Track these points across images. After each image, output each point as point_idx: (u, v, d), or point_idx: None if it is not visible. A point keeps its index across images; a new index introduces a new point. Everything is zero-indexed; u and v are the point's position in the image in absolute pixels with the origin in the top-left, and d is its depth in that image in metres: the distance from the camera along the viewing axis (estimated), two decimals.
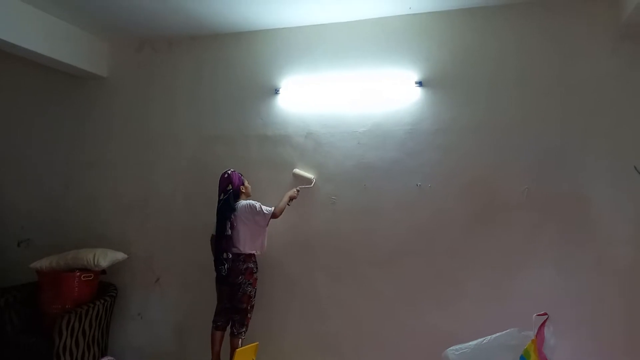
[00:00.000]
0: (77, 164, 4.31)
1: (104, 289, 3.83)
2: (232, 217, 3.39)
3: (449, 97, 3.46)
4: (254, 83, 3.91)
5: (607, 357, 3.03)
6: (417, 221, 3.46)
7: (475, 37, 3.43)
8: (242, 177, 3.57)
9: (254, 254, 3.46)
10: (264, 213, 3.37)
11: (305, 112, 3.77)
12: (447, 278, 3.38)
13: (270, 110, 3.86)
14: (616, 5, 3.15)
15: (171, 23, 3.82)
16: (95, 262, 3.60)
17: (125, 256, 3.90)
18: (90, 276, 3.67)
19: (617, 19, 3.14)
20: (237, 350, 3.27)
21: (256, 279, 3.46)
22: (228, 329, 3.48)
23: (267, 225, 3.43)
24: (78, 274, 3.60)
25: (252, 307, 3.46)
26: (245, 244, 3.41)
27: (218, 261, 3.35)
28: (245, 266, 3.39)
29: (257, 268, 3.47)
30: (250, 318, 3.46)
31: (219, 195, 3.45)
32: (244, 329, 3.42)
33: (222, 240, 3.35)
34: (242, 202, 3.45)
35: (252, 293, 3.43)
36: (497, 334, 2.07)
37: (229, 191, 3.42)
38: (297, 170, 3.70)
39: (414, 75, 3.52)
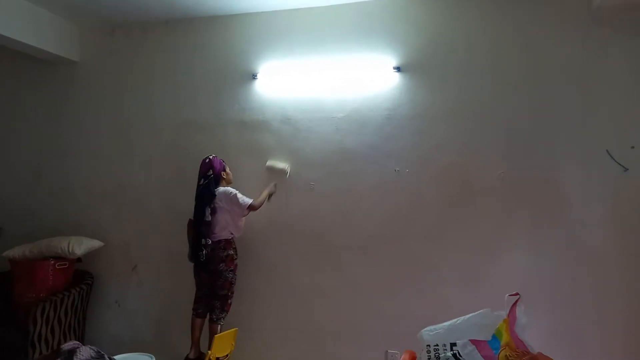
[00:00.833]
0: (50, 151, 4.21)
1: (80, 277, 3.78)
2: (213, 203, 3.36)
3: (425, 83, 3.48)
4: (231, 68, 3.86)
5: (582, 336, 3.13)
6: (394, 206, 3.49)
7: (448, 23, 3.45)
8: (224, 163, 3.53)
9: (233, 241, 3.44)
10: (240, 204, 3.34)
11: (283, 97, 3.74)
12: (424, 263, 3.42)
13: (247, 96, 3.82)
14: None
15: (144, 6, 3.73)
16: (70, 250, 3.54)
17: (102, 244, 3.85)
18: (65, 264, 3.61)
19: (587, 4, 3.19)
20: (216, 336, 3.26)
21: (237, 265, 3.46)
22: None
23: (244, 216, 3.41)
24: (52, 262, 3.54)
25: (233, 293, 3.46)
26: (224, 229, 3.39)
27: (196, 247, 3.32)
28: (225, 253, 3.37)
29: (237, 254, 3.46)
30: (230, 304, 3.45)
31: (199, 181, 3.41)
32: (223, 315, 3.42)
33: (201, 226, 3.32)
34: (221, 189, 3.42)
35: (233, 279, 3.43)
36: (471, 314, 2.11)
37: (210, 176, 3.39)
38: (269, 163, 3.67)
39: (392, 61, 3.53)
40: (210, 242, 3.33)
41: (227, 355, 3.35)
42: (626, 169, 3.11)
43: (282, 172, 3.64)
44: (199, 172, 3.42)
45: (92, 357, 2.51)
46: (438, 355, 1.98)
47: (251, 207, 3.36)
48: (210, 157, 3.46)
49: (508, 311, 2.06)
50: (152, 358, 3.14)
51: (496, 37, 3.36)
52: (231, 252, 3.41)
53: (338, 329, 3.56)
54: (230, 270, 3.39)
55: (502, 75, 3.34)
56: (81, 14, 3.95)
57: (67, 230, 3.98)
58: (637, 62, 3.13)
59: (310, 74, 3.67)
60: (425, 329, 2.12)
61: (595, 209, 3.15)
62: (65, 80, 4.20)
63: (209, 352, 3.21)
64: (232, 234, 3.44)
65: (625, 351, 3.06)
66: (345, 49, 3.61)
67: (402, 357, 2.12)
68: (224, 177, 3.49)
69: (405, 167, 3.48)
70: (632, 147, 3.11)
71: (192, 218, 3.41)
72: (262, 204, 3.44)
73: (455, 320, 2.11)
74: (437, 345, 2.02)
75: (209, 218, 3.33)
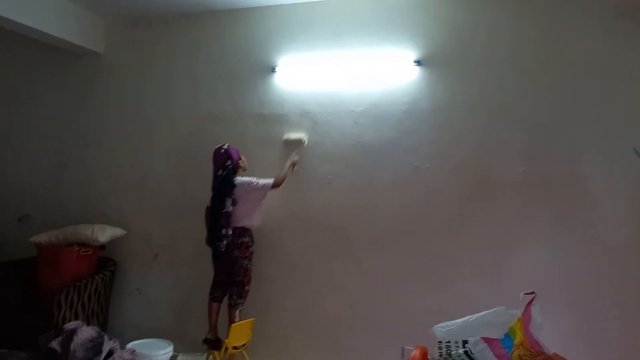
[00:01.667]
0: (75, 142, 4.30)
1: (103, 264, 3.88)
2: (233, 193, 3.39)
3: (446, 77, 3.45)
4: (251, 61, 3.88)
5: (600, 338, 3.07)
6: (412, 201, 3.48)
7: (469, 16, 3.41)
8: (239, 152, 3.56)
9: (250, 228, 3.49)
10: (261, 188, 3.38)
11: (302, 90, 3.75)
12: (442, 257, 3.41)
13: (267, 89, 3.84)
14: None
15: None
16: (94, 237, 3.64)
17: (124, 232, 3.94)
18: (89, 251, 3.71)
19: None
20: (233, 325, 3.32)
21: (252, 252, 3.50)
22: (225, 300, 3.52)
23: (265, 197, 3.44)
24: (77, 248, 3.65)
25: (250, 279, 3.50)
26: (245, 219, 3.44)
27: (216, 237, 3.37)
28: (240, 240, 3.42)
29: (252, 242, 3.50)
30: (247, 291, 3.50)
31: (216, 172, 3.44)
32: (241, 301, 3.47)
33: (221, 216, 3.36)
34: (240, 179, 3.45)
35: (249, 266, 3.47)
36: (485, 312, 2.10)
37: (228, 167, 3.42)
38: (286, 135, 3.70)
39: (412, 54, 3.49)
40: (230, 233, 3.37)
41: (244, 345, 3.42)
42: None
43: (299, 142, 3.65)
44: (215, 162, 3.46)
45: (92, 337, 2.60)
46: (450, 352, 1.98)
47: (275, 185, 3.39)
48: (225, 146, 3.49)
49: (523, 310, 2.04)
50: (170, 344, 3.23)
51: (517, 31, 3.31)
52: (246, 239, 3.45)
53: (354, 323, 3.58)
54: (245, 257, 3.44)
55: (524, 70, 3.29)
56: (105, 6, 4.01)
57: (91, 218, 4.07)
58: None
59: (330, 67, 3.66)
60: (438, 325, 2.12)
61: (618, 206, 3.09)
62: (89, 72, 4.28)
63: (226, 341, 3.28)
64: (251, 224, 3.48)
65: None
66: (364, 42, 3.59)
67: (413, 352, 2.12)
68: (241, 165, 3.53)
69: (424, 162, 3.46)
70: None
71: (210, 205, 3.44)
72: (285, 177, 3.46)
73: (468, 317, 2.10)
74: (449, 342, 2.02)
75: (229, 209, 3.36)
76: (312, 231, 3.68)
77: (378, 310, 3.52)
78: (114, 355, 2.68)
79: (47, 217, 4.22)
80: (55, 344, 2.56)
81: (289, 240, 3.73)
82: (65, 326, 2.69)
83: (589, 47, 3.16)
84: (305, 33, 3.74)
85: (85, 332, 2.63)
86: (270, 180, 3.39)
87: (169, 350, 3.27)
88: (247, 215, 3.45)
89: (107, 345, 2.64)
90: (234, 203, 3.39)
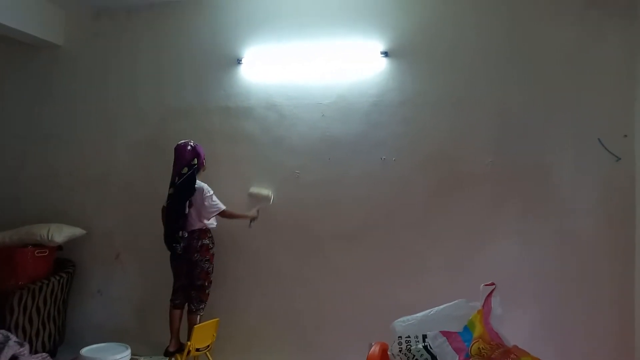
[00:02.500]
0: (35, 137, 4.13)
1: (61, 265, 3.72)
2: (192, 196, 3.24)
3: (414, 69, 3.39)
4: (217, 53, 3.77)
5: (569, 327, 3.05)
6: (381, 195, 3.41)
7: (438, 6, 3.35)
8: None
9: (208, 230, 3.37)
10: (214, 207, 3.26)
11: (269, 83, 3.65)
12: (410, 251, 3.35)
13: (232, 82, 3.73)
14: None
15: None
16: (50, 237, 3.48)
17: (83, 232, 3.78)
18: (45, 252, 3.55)
19: None
20: (196, 326, 3.21)
21: (213, 255, 3.38)
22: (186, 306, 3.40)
23: (210, 217, 3.32)
24: (32, 249, 3.48)
25: (210, 283, 3.39)
26: (200, 222, 3.31)
27: (172, 239, 3.21)
28: (200, 243, 3.30)
29: (213, 243, 3.39)
30: (208, 294, 3.39)
31: (179, 169, 3.27)
32: (202, 305, 3.36)
33: (178, 218, 3.20)
34: (200, 184, 3.28)
35: (210, 269, 3.36)
36: (445, 305, 2.03)
37: (194, 166, 3.26)
38: (252, 190, 3.58)
39: (379, 45, 3.42)
40: (186, 235, 3.23)
41: (208, 346, 3.30)
42: (619, 159, 3.00)
43: (266, 198, 3.55)
44: (179, 158, 3.28)
45: None
46: (409, 348, 1.90)
47: (225, 215, 3.30)
48: (192, 143, 3.34)
49: (483, 302, 1.97)
50: (127, 348, 3.09)
51: (486, 22, 3.26)
52: (206, 241, 3.33)
53: (322, 319, 3.49)
54: (206, 260, 3.32)
55: (492, 61, 3.25)
56: None
57: (50, 217, 3.89)
58: (632, 47, 3.01)
59: (296, 59, 3.57)
60: (398, 320, 2.04)
61: (586, 198, 3.06)
62: (49, 65, 4.12)
63: (189, 343, 3.16)
64: (207, 227, 3.36)
65: (614, 343, 2.98)
66: (332, 33, 3.51)
67: (372, 349, 2.04)
68: (205, 165, 3.40)
69: (392, 156, 3.39)
70: (625, 136, 3.00)
71: (167, 204, 3.29)
72: (237, 219, 3.40)
73: (428, 311, 2.02)
74: (409, 336, 1.94)
75: (187, 210, 3.22)
76: (278, 226, 3.58)
77: (346, 307, 3.44)
78: None
79: (4, 216, 4.03)
80: None
81: (255, 237, 3.61)
82: None
83: (557, 38, 3.13)
84: (271, 24, 3.65)
85: None
86: (223, 207, 3.28)
87: (125, 354, 3.12)
88: (202, 219, 3.31)
89: (10, 351, 2.47)
90: (190, 205, 3.23)
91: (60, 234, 3.56)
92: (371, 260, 3.41)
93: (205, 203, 3.24)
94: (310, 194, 3.53)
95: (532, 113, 3.16)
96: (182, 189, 3.22)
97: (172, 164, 3.33)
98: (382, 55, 3.40)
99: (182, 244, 3.20)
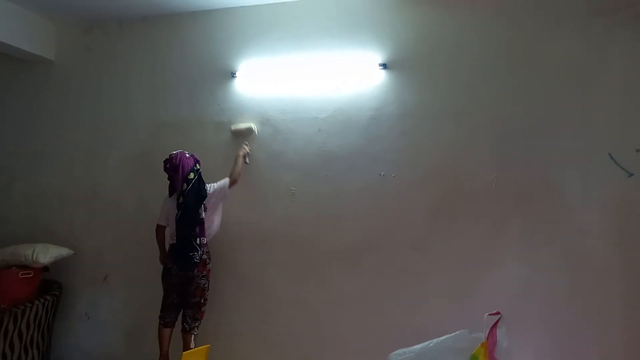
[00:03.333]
0: (25, 154, 4.02)
1: (47, 287, 3.56)
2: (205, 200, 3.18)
3: (413, 81, 3.25)
4: (210, 66, 3.66)
5: (580, 354, 2.85)
6: (380, 212, 3.25)
7: (438, 17, 3.23)
8: None
9: (206, 244, 3.22)
10: (227, 191, 3.25)
11: (264, 97, 3.53)
12: (411, 273, 3.17)
13: (226, 95, 3.61)
14: None
15: (121, 2, 3.56)
16: (34, 258, 3.33)
17: (71, 252, 3.63)
18: (30, 273, 3.39)
19: None
20: (185, 353, 3.01)
21: (209, 271, 3.24)
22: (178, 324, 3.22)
23: (226, 197, 3.30)
24: (16, 271, 3.33)
25: (206, 300, 3.23)
26: (213, 226, 3.27)
27: (189, 247, 3.07)
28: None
29: (210, 259, 3.24)
30: (204, 312, 3.22)
31: (184, 176, 3.13)
32: (197, 324, 3.19)
33: (195, 225, 3.10)
34: (206, 186, 3.21)
35: (206, 286, 3.21)
36: (446, 336, 1.86)
37: (199, 171, 3.19)
38: (233, 127, 3.51)
39: (377, 57, 3.30)
40: (205, 241, 3.15)
41: None
42: (631, 174, 2.83)
43: (249, 131, 3.46)
44: (182, 166, 3.14)
45: None
46: None
47: (232, 183, 3.26)
48: (187, 153, 3.23)
49: (487, 333, 1.80)
50: None
51: (486, 34, 3.13)
52: (204, 256, 3.18)
53: (318, 343, 3.31)
54: (203, 276, 3.17)
55: (493, 74, 3.11)
56: (57, 11, 3.78)
57: (38, 237, 3.77)
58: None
59: (292, 72, 3.45)
60: (395, 352, 1.88)
61: (596, 216, 2.88)
62: (41, 80, 4.02)
63: None
64: (214, 230, 3.29)
65: None
66: (329, 45, 3.40)
67: None
68: None
69: (391, 171, 3.24)
70: (637, 151, 2.84)
71: (180, 213, 3.12)
72: (240, 172, 3.31)
73: (428, 342, 1.85)
74: None
75: (203, 216, 3.15)
76: (273, 245, 3.43)
77: (343, 330, 3.26)
78: None
79: None
80: None
81: (249, 256, 3.46)
82: None
83: (561, 50, 3.00)
84: (266, 36, 3.54)
85: None
86: (225, 180, 3.23)
87: None
88: (213, 224, 3.28)
89: None
90: (204, 209, 3.18)
91: (46, 254, 3.41)
92: (370, 281, 3.24)
93: (222, 193, 3.24)
94: (306, 211, 3.38)
95: (537, 126, 3.01)
96: (195, 194, 3.12)
97: (169, 177, 3.21)
98: (381, 67, 3.27)
99: (200, 252, 3.09)
